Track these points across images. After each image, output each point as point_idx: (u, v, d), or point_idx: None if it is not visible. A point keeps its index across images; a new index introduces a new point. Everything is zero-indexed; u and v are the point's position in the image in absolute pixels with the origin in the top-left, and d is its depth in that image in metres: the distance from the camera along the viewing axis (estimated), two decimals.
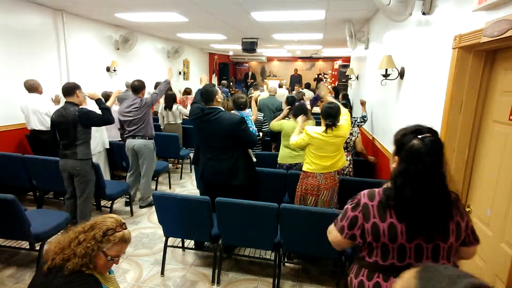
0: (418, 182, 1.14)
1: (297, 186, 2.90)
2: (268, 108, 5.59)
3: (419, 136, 1.16)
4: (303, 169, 2.86)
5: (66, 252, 1.33)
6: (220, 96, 2.86)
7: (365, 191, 1.28)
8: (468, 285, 0.62)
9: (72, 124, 2.91)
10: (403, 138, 1.20)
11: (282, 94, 7.18)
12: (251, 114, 3.34)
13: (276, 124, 3.79)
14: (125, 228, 1.46)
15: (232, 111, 3.15)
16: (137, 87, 3.84)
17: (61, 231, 2.99)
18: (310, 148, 2.78)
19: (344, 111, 2.88)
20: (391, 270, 1.21)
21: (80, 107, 3.01)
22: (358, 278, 1.30)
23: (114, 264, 1.45)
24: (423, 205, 1.14)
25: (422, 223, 1.15)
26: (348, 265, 2.51)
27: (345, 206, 1.32)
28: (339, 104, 2.84)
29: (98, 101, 3.12)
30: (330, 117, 2.71)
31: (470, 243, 1.24)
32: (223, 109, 2.83)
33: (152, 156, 3.98)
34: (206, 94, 2.79)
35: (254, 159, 3.22)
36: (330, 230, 1.37)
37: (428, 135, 1.16)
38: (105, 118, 3.08)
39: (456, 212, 1.19)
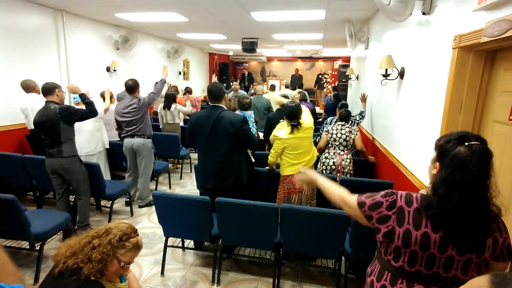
0: (463, 192, 1.08)
1: (279, 189, 2.90)
2: (256, 108, 5.61)
3: (466, 144, 1.09)
4: (284, 173, 2.85)
5: (79, 256, 1.31)
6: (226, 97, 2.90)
7: (403, 193, 1.22)
8: None
9: (55, 122, 2.90)
10: (447, 144, 1.13)
11: (291, 94, 7.08)
12: (253, 116, 3.35)
13: (273, 134, 3.72)
14: (138, 235, 1.46)
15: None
16: (131, 87, 3.81)
17: (61, 232, 3.00)
18: (286, 151, 2.79)
19: (303, 107, 2.94)
20: (417, 277, 1.18)
21: (62, 105, 3.00)
22: (380, 282, 1.26)
23: (125, 271, 1.44)
24: (464, 216, 1.09)
25: (460, 234, 1.11)
26: (348, 265, 2.52)
27: (379, 194, 1.24)
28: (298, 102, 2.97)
29: (81, 96, 3.11)
30: (295, 117, 2.76)
31: (502, 259, 1.19)
32: (226, 108, 2.85)
33: (150, 155, 3.97)
34: (216, 91, 2.80)
35: (253, 159, 3.24)
36: (350, 198, 1.30)
37: (476, 142, 1.09)
38: (86, 112, 3.04)
39: (496, 227, 1.14)
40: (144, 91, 4.29)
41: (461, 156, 1.08)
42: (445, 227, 1.12)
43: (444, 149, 1.14)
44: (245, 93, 6.59)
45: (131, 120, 3.77)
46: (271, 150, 2.89)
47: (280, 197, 2.90)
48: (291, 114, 2.76)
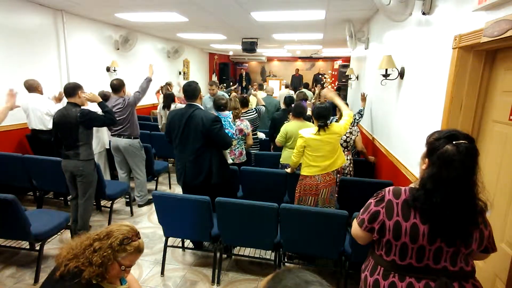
0: (449, 189, 1.12)
1: (296, 187, 2.89)
2: (267, 109, 5.60)
3: (454, 142, 1.12)
4: (302, 172, 2.84)
5: (80, 260, 1.30)
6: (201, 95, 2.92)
7: (390, 188, 1.27)
8: None
9: (74, 125, 2.89)
10: (436, 142, 1.17)
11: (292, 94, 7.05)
12: (230, 117, 3.35)
13: (280, 135, 3.60)
14: (140, 238, 1.44)
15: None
16: (116, 86, 3.80)
17: (62, 231, 3.00)
18: (306, 150, 2.77)
19: (347, 113, 2.88)
20: (408, 270, 1.21)
21: (82, 108, 2.99)
22: (373, 277, 1.29)
23: (125, 274, 1.43)
24: (450, 211, 1.13)
25: (447, 228, 1.14)
26: (348, 265, 2.52)
27: (369, 200, 1.32)
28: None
29: (100, 105, 3.09)
30: (322, 118, 2.73)
31: (491, 250, 1.25)
32: (202, 107, 2.86)
33: (140, 155, 3.97)
34: (190, 90, 2.81)
35: (230, 160, 3.23)
36: (353, 223, 1.39)
37: (464, 141, 1.12)
38: (107, 119, 3.07)
39: (482, 220, 1.18)
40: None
41: (448, 154, 1.12)
42: (432, 221, 1.16)
43: (433, 147, 1.18)
44: (226, 95, 6.03)
45: (117, 119, 3.76)
46: (294, 150, 2.87)
47: (296, 195, 2.89)
48: (319, 114, 2.75)
